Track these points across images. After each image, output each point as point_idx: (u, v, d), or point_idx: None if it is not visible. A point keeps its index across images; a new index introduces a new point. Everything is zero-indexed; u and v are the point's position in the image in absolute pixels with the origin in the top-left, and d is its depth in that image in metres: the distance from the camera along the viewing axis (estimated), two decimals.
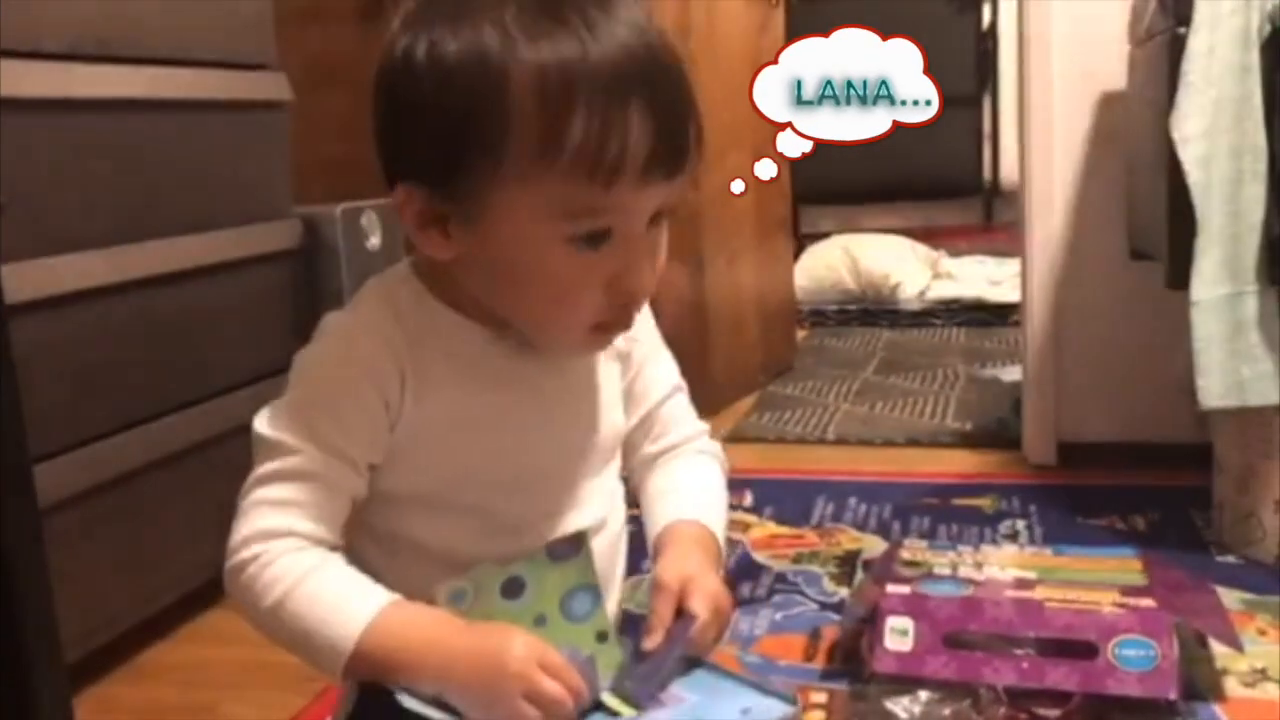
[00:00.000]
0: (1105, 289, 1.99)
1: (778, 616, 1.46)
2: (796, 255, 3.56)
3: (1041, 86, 1.98)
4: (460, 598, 0.77)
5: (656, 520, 0.91)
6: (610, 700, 0.78)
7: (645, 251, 0.77)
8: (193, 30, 1.57)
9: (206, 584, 1.52)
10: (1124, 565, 1.30)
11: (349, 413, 0.77)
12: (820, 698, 1.23)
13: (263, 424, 0.78)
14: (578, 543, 0.81)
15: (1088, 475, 1.95)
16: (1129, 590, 1.20)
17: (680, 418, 0.96)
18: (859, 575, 1.57)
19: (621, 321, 0.79)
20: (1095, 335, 2.02)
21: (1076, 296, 2.02)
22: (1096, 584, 1.22)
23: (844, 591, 1.52)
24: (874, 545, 1.69)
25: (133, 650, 1.47)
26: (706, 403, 2.47)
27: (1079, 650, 1.14)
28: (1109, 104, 1.94)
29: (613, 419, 0.90)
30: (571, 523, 0.84)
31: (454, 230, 0.76)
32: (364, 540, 0.83)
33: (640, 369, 0.93)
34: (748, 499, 1.92)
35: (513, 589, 0.78)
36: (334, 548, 0.78)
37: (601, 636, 0.82)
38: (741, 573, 1.60)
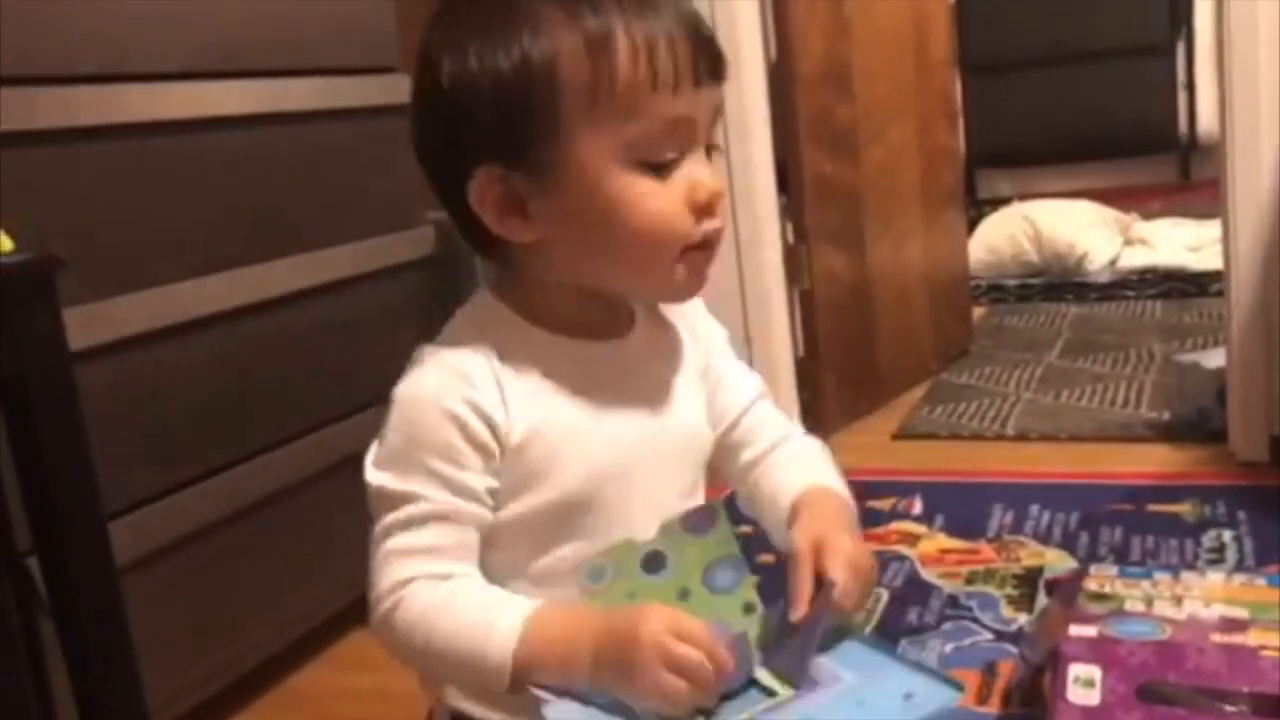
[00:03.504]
0: None
1: (948, 649, 1.34)
2: (973, 225, 3.36)
3: (1244, 25, 1.76)
4: (599, 575, 0.77)
5: (779, 502, 0.90)
6: (766, 679, 0.77)
7: (709, 170, 0.81)
8: (313, 38, 1.53)
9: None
10: None
11: (458, 444, 0.78)
12: None
13: (375, 474, 0.79)
14: (712, 514, 0.81)
15: None
16: None
17: (769, 421, 0.96)
18: (1040, 599, 1.42)
19: (709, 244, 0.81)
20: None
21: None
22: None
23: (1023, 618, 1.38)
24: (1058, 562, 1.54)
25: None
26: (871, 396, 2.40)
27: None
28: None
29: (701, 425, 0.91)
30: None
31: (534, 208, 0.79)
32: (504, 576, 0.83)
33: (719, 381, 0.94)
34: (917, 506, 1.79)
35: (654, 563, 0.79)
36: (467, 575, 0.80)
37: (748, 608, 0.81)
38: (909, 595, 1.47)
